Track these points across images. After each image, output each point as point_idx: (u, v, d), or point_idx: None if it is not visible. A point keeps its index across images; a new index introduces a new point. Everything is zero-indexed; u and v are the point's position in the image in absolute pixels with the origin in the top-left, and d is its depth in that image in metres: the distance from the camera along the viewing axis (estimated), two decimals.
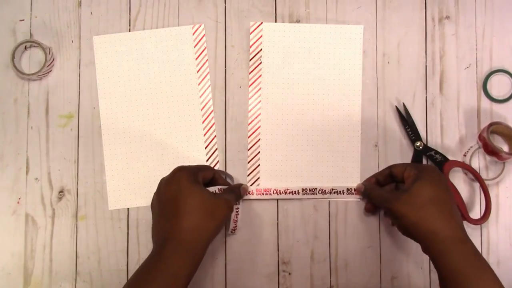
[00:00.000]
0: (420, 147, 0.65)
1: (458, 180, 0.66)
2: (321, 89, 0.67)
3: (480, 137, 0.64)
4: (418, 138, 0.65)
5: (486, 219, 0.63)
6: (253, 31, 0.68)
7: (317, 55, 0.67)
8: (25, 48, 0.68)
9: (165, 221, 0.54)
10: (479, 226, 0.65)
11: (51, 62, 0.67)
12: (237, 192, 0.61)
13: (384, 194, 0.58)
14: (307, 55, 0.67)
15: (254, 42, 0.68)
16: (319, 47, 0.67)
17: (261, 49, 0.68)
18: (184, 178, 0.55)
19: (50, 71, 0.68)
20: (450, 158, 0.66)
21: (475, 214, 0.65)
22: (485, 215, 0.63)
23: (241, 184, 0.64)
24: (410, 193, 0.53)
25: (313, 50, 0.68)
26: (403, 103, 0.66)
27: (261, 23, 0.68)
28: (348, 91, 0.67)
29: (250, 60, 0.68)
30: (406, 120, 0.66)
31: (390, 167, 0.61)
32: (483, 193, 0.64)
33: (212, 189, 0.59)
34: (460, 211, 0.63)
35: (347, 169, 0.66)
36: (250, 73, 0.68)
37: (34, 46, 0.68)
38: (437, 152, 0.65)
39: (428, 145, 0.66)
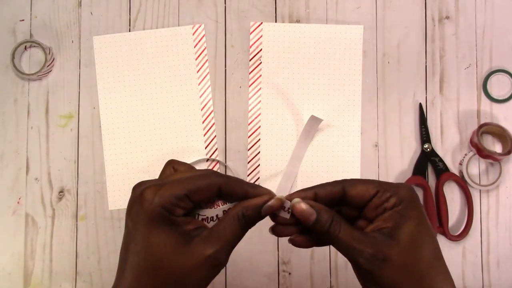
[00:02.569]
0: (428, 149, 0.65)
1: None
2: (321, 89, 0.67)
3: (472, 143, 0.65)
4: (429, 140, 0.66)
5: (462, 237, 0.64)
6: (253, 31, 0.68)
7: (317, 55, 0.67)
8: (25, 48, 0.68)
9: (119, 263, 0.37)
10: (478, 222, 0.65)
11: (51, 62, 0.67)
12: (251, 215, 0.37)
13: (356, 245, 0.35)
14: (307, 55, 0.67)
15: (254, 42, 0.68)
16: (319, 47, 0.67)
17: (261, 49, 0.68)
18: (143, 208, 0.34)
19: (50, 71, 0.68)
20: (449, 161, 0.66)
21: (457, 229, 0.65)
22: (462, 234, 0.64)
23: (266, 195, 0.38)
24: (402, 248, 0.35)
25: (313, 50, 0.68)
26: (420, 103, 0.66)
27: (261, 23, 0.68)
28: (348, 91, 0.67)
29: (250, 60, 0.68)
30: (424, 119, 0.66)
31: (343, 184, 0.38)
32: (468, 210, 0.65)
33: (212, 212, 0.38)
34: (442, 224, 0.64)
35: (347, 169, 0.66)
36: (250, 73, 0.68)
37: (34, 46, 0.68)
38: (440, 160, 0.65)
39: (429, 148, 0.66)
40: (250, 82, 0.67)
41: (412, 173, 0.65)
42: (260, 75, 0.67)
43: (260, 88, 0.67)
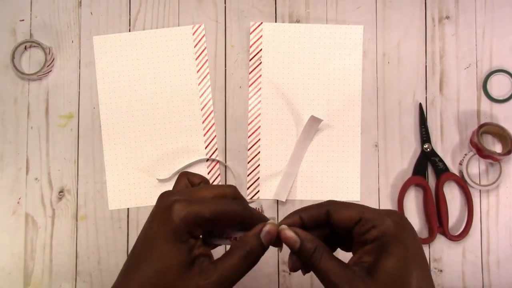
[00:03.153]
0: (428, 149, 0.65)
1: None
2: (321, 89, 0.67)
3: (472, 143, 0.65)
4: (429, 140, 0.65)
5: (462, 237, 0.64)
6: (253, 31, 0.68)
7: (317, 55, 0.67)
8: (25, 48, 0.68)
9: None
10: (478, 222, 0.65)
11: (51, 62, 0.67)
12: (254, 248, 0.37)
13: (334, 278, 0.34)
14: (307, 55, 0.67)
15: (254, 42, 0.68)
16: (319, 47, 0.67)
17: (261, 49, 0.68)
18: (170, 220, 0.35)
19: (50, 71, 0.68)
20: (449, 161, 0.66)
21: (457, 229, 0.65)
22: (462, 234, 0.64)
23: (263, 226, 0.37)
24: (385, 278, 0.34)
25: (313, 50, 0.68)
26: (420, 103, 0.66)
27: (261, 23, 0.68)
28: (348, 91, 0.67)
29: (250, 60, 0.68)
30: (424, 119, 0.66)
31: (328, 207, 0.38)
32: (468, 210, 0.65)
33: (227, 243, 0.39)
34: (442, 224, 0.64)
35: (347, 169, 0.66)
36: (250, 73, 0.68)
37: (34, 46, 0.68)
38: (440, 160, 0.65)
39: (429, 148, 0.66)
40: (250, 82, 0.67)
41: (412, 173, 0.65)
42: (260, 75, 0.67)
43: (260, 88, 0.67)
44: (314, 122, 0.64)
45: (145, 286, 0.34)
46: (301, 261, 0.38)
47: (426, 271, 0.35)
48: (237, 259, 0.36)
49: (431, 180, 0.66)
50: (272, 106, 0.67)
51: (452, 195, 0.66)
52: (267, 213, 0.66)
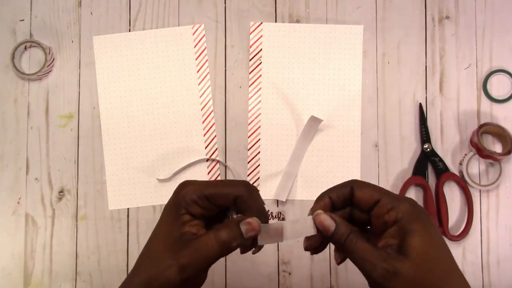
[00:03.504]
0: (428, 149, 0.65)
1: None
2: (321, 89, 0.67)
3: (472, 143, 0.65)
4: (428, 140, 0.65)
5: (462, 237, 0.64)
6: (253, 31, 0.68)
7: (317, 55, 0.67)
8: (25, 48, 0.68)
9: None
10: (478, 222, 0.65)
11: (51, 62, 0.67)
12: (229, 234, 0.38)
13: (370, 258, 0.36)
14: (307, 55, 0.67)
15: (254, 42, 0.68)
16: (319, 47, 0.67)
17: (261, 49, 0.68)
18: (172, 199, 0.41)
19: (50, 71, 0.68)
20: (449, 161, 0.66)
21: (457, 229, 0.65)
22: (462, 234, 0.64)
23: (241, 219, 0.39)
24: (412, 261, 0.35)
25: (313, 50, 0.68)
26: (420, 103, 0.66)
27: (261, 23, 0.68)
28: (348, 91, 0.67)
29: (250, 60, 0.68)
30: (424, 119, 0.66)
31: (352, 185, 0.40)
32: (468, 210, 0.65)
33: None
34: (442, 224, 0.64)
35: (347, 169, 0.66)
36: (250, 73, 0.68)
37: (34, 46, 0.68)
38: (440, 160, 0.65)
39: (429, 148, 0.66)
40: (250, 82, 0.67)
41: (412, 173, 0.65)
42: (260, 75, 0.67)
43: (260, 88, 0.67)
44: (314, 122, 0.64)
45: (148, 255, 0.40)
46: (334, 244, 0.39)
47: (444, 243, 0.37)
48: (211, 239, 0.38)
49: (431, 180, 0.66)
50: (272, 106, 0.67)
51: (452, 195, 0.66)
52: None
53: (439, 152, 0.66)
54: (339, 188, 0.40)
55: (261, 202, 0.41)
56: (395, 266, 0.35)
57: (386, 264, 0.35)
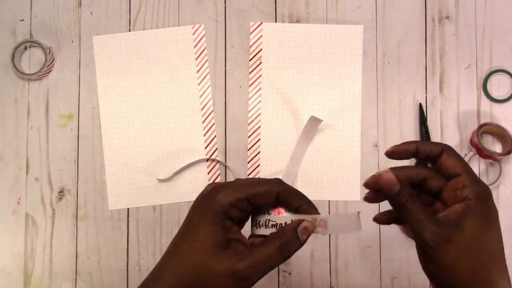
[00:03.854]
0: None
1: None
2: (321, 89, 0.67)
3: (472, 143, 0.65)
4: (429, 140, 0.66)
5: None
6: (253, 31, 0.68)
7: (317, 55, 0.67)
8: (25, 48, 0.68)
9: (167, 250, 0.40)
10: None
11: (51, 62, 0.67)
12: (289, 241, 0.38)
13: (425, 221, 0.37)
14: (307, 55, 0.67)
15: (254, 42, 0.68)
16: (319, 47, 0.67)
17: (261, 49, 0.68)
18: (208, 204, 0.38)
19: (50, 71, 0.68)
20: None
21: None
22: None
23: (301, 221, 0.38)
24: (466, 236, 0.37)
25: (313, 50, 0.68)
26: (420, 103, 0.66)
27: (261, 23, 0.68)
28: (348, 91, 0.67)
29: (250, 60, 0.68)
30: (424, 119, 0.66)
31: (443, 148, 0.41)
32: None
33: (278, 218, 0.40)
34: None
35: (347, 169, 0.66)
36: (250, 73, 0.68)
37: (34, 46, 0.68)
38: None
39: None
40: (250, 82, 0.67)
41: None
42: (260, 75, 0.67)
43: (260, 88, 0.67)
44: (314, 122, 0.64)
45: (181, 262, 0.37)
46: (393, 204, 0.40)
47: (500, 236, 0.38)
48: (272, 248, 0.37)
49: None
50: (272, 106, 0.67)
51: None
52: None
53: None
54: (430, 144, 0.41)
55: (302, 194, 0.40)
56: (449, 233, 0.36)
57: (440, 229, 0.37)
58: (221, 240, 0.37)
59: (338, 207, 0.66)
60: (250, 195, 0.38)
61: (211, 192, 0.38)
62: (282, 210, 0.40)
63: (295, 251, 0.38)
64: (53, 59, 0.68)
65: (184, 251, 0.37)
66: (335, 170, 0.66)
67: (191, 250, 0.37)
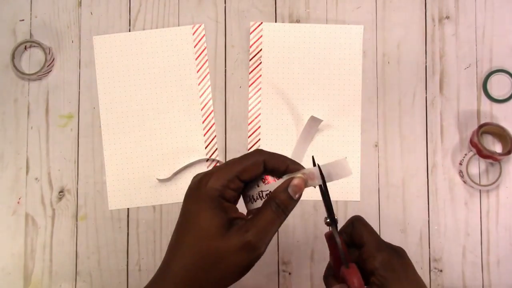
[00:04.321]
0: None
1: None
2: (321, 89, 0.67)
3: (472, 142, 0.65)
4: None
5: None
6: (253, 31, 0.68)
7: (317, 55, 0.67)
8: (25, 48, 0.68)
9: (169, 245, 0.40)
10: (478, 222, 0.65)
11: (51, 62, 0.67)
12: (283, 201, 0.39)
13: None
14: (307, 55, 0.67)
15: (254, 42, 0.68)
16: (319, 47, 0.67)
17: (261, 49, 0.68)
18: (200, 191, 0.38)
19: (50, 71, 0.68)
20: (449, 161, 0.66)
21: None
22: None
23: (290, 180, 0.39)
24: None
25: (313, 50, 0.68)
26: (312, 156, 0.49)
27: (261, 23, 0.68)
28: (348, 91, 0.67)
29: (250, 60, 0.68)
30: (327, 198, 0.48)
31: (353, 222, 0.43)
32: None
33: (268, 187, 0.40)
34: None
35: None
36: (250, 73, 0.68)
37: (34, 46, 0.68)
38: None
39: (428, 144, 0.66)
40: (250, 82, 0.67)
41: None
42: (260, 75, 0.67)
43: (260, 88, 0.67)
44: (314, 122, 0.64)
45: (188, 255, 0.37)
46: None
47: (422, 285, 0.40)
48: (270, 212, 0.38)
49: None
50: (272, 106, 0.67)
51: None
52: None
53: (439, 152, 0.66)
54: (345, 226, 0.43)
55: (285, 156, 0.41)
56: None
57: None
58: (224, 221, 0.37)
59: (338, 206, 0.66)
60: (239, 173, 0.38)
61: (201, 181, 0.38)
62: (270, 178, 0.41)
63: (291, 209, 0.39)
64: (53, 59, 0.68)
65: (189, 242, 0.38)
66: None
67: (197, 239, 0.37)
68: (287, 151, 0.66)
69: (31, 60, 0.68)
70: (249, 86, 0.67)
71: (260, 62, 0.68)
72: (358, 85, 0.67)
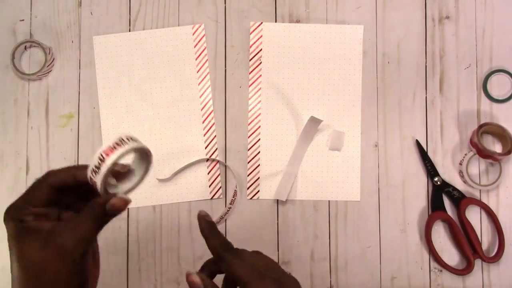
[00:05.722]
0: (439, 183, 0.64)
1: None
2: (321, 89, 0.67)
3: (472, 142, 0.65)
4: (436, 173, 0.65)
5: (499, 257, 0.63)
6: (253, 31, 0.68)
7: (317, 55, 0.67)
8: (25, 48, 0.68)
9: None
10: (479, 224, 0.65)
11: (51, 62, 0.67)
12: (97, 212, 0.38)
13: None
14: (307, 55, 0.67)
15: (254, 42, 0.68)
16: (319, 47, 0.67)
17: (261, 49, 0.68)
18: (6, 229, 0.38)
19: (50, 71, 0.68)
20: (449, 161, 0.66)
21: (493, 250, 0.64)
22: (498, 254, 0.63)
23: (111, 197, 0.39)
24: None
25: (313, 50, 0.68)
26: (417, 140, 0.66)
27: (261, 23, 0.68)
28: (348, 91, 0.67)
29: (250, 60, 0.68)
30: (426, 155, 0.65)
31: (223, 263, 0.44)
32: (497, 231, 0.64)
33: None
34: (476, 251, 0.63)
35: (347, 169, 0.66)
36: (250, 73, 0.68)
37: (34, 46, 0.68)
38: (454, 189, 0.64)
39: (429, 148, 0.66)
40: (250, 82, 0.67)
41: (431, 210, 0.64)
42: (260, 75, 0.67)
43: (260, 88, 0.67)
44: (314, 122, 0.64)
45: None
46: None
47: None
48: (88, 221, 0.37)
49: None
50: (272, 106, 0.67)
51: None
52: (266, 214, 0.66)
53: (439, 152, 0.66)
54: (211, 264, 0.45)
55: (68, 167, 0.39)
56: None
57: None
58: (41, 238, 0.36)
59: (338, 206, 0.66)
60: (27, 202, 0.39)
61: (3, 218, 0.38)
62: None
63: (108, 221, 0.39)
64: (53, 59, 0.68)
65: (26, 276, 0.36)
66: (335, 170, 0.66)
67: (29, 271, 0.36)
68: (287, 151, 0.66)
69: (31, 60, 0.68)
70: (249, 86, 0.67)
71: (260, 62, 0.68)
72: (358, 85, 0.67)
